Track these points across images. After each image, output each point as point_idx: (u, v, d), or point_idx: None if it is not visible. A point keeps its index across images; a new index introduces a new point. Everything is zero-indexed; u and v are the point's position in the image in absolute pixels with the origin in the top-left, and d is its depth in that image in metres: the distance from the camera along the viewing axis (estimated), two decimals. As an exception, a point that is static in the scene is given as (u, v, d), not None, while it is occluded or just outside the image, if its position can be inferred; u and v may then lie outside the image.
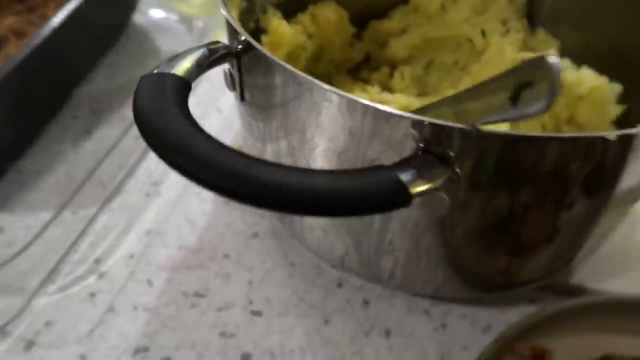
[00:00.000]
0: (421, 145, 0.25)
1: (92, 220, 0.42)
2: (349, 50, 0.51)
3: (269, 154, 0.34)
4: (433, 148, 0.25)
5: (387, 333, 0.37)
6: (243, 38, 0.29)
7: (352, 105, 0.25)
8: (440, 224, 0.29)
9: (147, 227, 0.43)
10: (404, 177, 0.22)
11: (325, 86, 0.25)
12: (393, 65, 0.50)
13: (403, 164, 0.23)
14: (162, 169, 0.46)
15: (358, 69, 0.53)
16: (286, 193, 0.20)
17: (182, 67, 0.27)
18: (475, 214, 0.29)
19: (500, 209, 0.29)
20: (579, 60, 0.42)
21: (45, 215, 0.42)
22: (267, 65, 0.28)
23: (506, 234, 0.31)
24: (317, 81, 0.25)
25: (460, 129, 0.23)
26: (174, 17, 0.63)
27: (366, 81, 0.51)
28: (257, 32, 0.43)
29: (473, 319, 0.38)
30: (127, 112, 0.51)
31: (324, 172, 0.22)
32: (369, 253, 0.33)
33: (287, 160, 0.32)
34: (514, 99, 0.21)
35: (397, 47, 0.50)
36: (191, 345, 0.36)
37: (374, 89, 0.44)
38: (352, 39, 0.51)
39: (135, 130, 0.32)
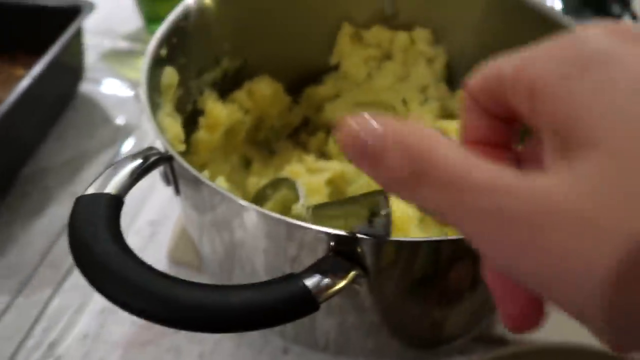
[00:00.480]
0: (332, 244, 0.28)
1: (46, 303, 0.44)
2: (287, 116, 0.55)
3: (205, 244, 0.37)
4: (342, 248, 0.28)
5: (330, 394, 0.40)
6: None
7: (265, 216, 0.28)
8: (361, 304, 0.32)
9: (100, 305, 0.45)
10: (310, 283, 0.25)
11: (240, 201, 0.28)
12: (330, 128, 0.54)
13: (311, 270, 0.26)
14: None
15: (298, 132, 0.56)
16: (203, 315, 0.23)
17: (115, 184, 0.29)
18: (393, 291, 0.32)
19: (417, 283, 0.32)
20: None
21: (-1, 301, 0.44)
22: (193, 176, 0.31)
23: (427, 298, 0.34)
24: (231, 195, 0.28)
25: (360, 238, 0.27)
26: (121, 83, 0.65)
27: (305, 145, 0.54)
28: (196, 114, 0.46)
29: (409, 374, 0.41)
30: (76, 188, 0.53)
31: (238, 289, 0.25)
32: (304, 326, 0.36)
33: (221, 252, 0.35)
34: (370, 220, 0.25)
35: (332, 112, 0.54)
36: (145, 422, 0.38)
37: (310, 159, 0.47)
38: (290, 104, 0.55)
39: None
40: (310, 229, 0.27)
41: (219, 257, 0.38)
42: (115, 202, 0.29)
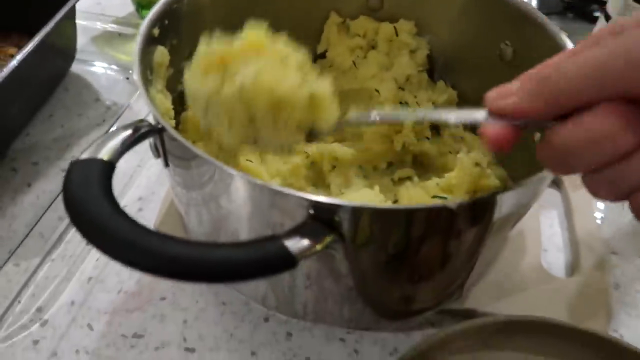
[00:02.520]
0: (311, 212, 0.30)
1: (34, 271, 0.45)
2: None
3: (192, 216, 0.38)
4: (320, 215, 0.30)
5: (307, 361, 0.42)
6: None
7: (249, 183, 0.30)
8: (337, 271, 0.35)
9: (87, 275, 0.46)
10: (291, 244, 0.28)
11: (226, 167, 0.30)
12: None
13: (291, 233, 0.28)
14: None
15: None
16: (190, 266, 0.25)
17: (107, 150, 0.31)
18: (366, 261, 0.34)
19: (389, 254, 0.34)
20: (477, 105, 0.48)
21: (-12, 269, 0.45)
22: (182, 146, 0.32)
23: (399, 271, 0.37)
24: (218, 163, 0.30)
25: (338, 205, 0.29)
26: (112, 66, 0.66)
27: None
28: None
29: (382, 344, 0.44)
30: (65, 165, 0.54)
31: (223, 245, 0.27)
32: (284, 294, 0.39)
33: (207, 222, 0.37)
34: None
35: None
36: (130, 384, 0.40)
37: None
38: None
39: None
40: (292, 195, 0.29)
41: (205, 230, 0.40)
42: (108, 167, 0.30)
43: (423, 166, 0.53)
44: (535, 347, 0.42)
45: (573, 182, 0.57)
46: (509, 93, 0.25)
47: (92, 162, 0.30)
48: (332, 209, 0.29)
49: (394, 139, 0.51)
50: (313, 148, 0.48)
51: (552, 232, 0.54)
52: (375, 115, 0.33)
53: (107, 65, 0.66)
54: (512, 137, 0.26)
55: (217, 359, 0.42)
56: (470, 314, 0.45)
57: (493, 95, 0.26)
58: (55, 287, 0.45)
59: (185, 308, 0.45)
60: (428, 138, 0.52)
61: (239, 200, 0.32)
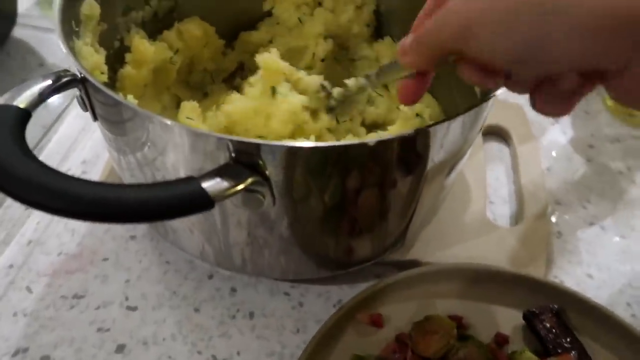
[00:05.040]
0: (233, 155, 0.30)
1: (-29, 235, 0.44)
2: (222, 60, 0.56)
3: (125, 170, 0.38)
4: (242, 158, 0.30)
5: (251, 315, 0.42)
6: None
7: (167, 126, 0.30)
8: (267, 217, 0.34)
9: (27, 238, 0.45)
10: (207, 184, 0.27)
11: (145, 112, 0.29)
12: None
13: (210, 174, 0.28)
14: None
15: (234, 76, 0.57)
16: (102, 207, 0.25)
17: (23, 98, 0.30)
18: (295, 206, 0.34)
19: (316, 198, 0.34)
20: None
21: None
22: (103, 93, 0.32)
23: (331, 217, 0.36)
24: (136, 106, 0.30)
25: (260, 145, 0.29)
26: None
27: (239, 88, 0.55)
28: (123, 50, 0.46)
29: (327, 296, 0.44)
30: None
31: (136, 186, 0.27)
32: (220, 246, 0.38)
33: (138, 175, 0.36)
34: None
35: (266, 56, 0.55)
36: (69, 342, 0.40)
37: (236, 96, 0.48)
38: (224, 49, 0.56)
39: None
40: (211, 136, 0.29)
41: (138, 182, 0.39)
42: (23, 113, 0.30)
43: (374, 126, 0.53)
44: (476, 293, 0.43)
45: (520, 136, 0.58)
46: (406, 50, 0.29)
47: (6, 108, 0.29)
48: (252, 149, 0.29)
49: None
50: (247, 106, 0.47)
51: (499, 185, 0.54)
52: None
53: (51, 29, 0.64)
54: (414, 90, 0.31)
55: (159, 316, 0.42)
56: (413, 265, 0.46)
57: (399, 50, 0.30)
58: (-6, 251, 0.44)
59: (128, 268, 0.44)
60: (382, 95, 0.52)
61: (163, 146, 0.32)
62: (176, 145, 0.31)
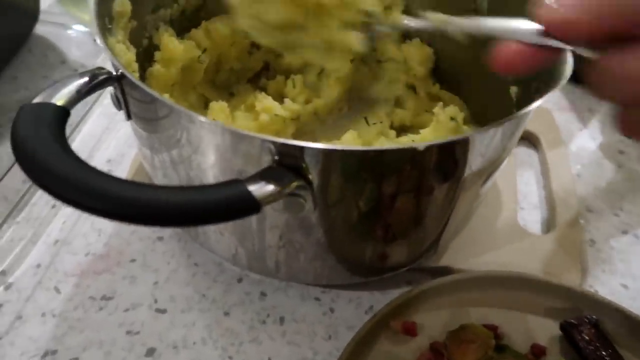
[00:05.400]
0: (276, 158, 0.29)
1: (-3, 234, 0.44)
2: (248, 60, 0.55)
3: (158, 170, 0.37)
4: (285, 161, 0.29)
5: (282, 320, 0.42)
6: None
7: (210, 126, 0.29)
8: (307, 222, 0.34)
9: (54, 238, 0.45)
10: (254, 188, 0.26)
11: (187, 111, 0.29)
12: (289, 73, 0.54)
13: (255, 177, 0.27)
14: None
15: (259, 77, 0.56)
16: (144, 207, 0.24)
17: (61, 96, 0.30)
18: (335, 210, 0.33)
19: (358, 203, 0.33)
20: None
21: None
22: (141, 91, 0.31)
23: (371, 222, 0.36)
24: (179, 106, 0.29)
25: (304, 147, 0.28)
26: (79, 26, 0.64)
27: (265, 89, 0.54)
28: (151, 49, 0.46)
29: (358, 302, 0.43)
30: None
31: (181, 188, 0.26)
32: (254, 250, 0.38)
33: (172, 175, 0.35)
34: None
35: (292, 57, 0.54)
36: (98, 344, 0.39)
37: (266, 99, 0.47)
38: (250, 49, 0.55)
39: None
40: (255, 138, 0.28)
41: (170, 183, 0.38)
42: (61, 111, 0.29)
43: (402, 129, 0.52)
44: (510, 301, 0.42)
45: (549, 142, 0.57)
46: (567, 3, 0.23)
47: (44, 106, 0.29)
48: (296, 151, 0.28)
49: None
50: (281, 110, 0.46)
51: (529, 191, 0.53)
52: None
53: (72, 25, 0.63)
54: (531, 57, 0.25)
55: (188, 320, 0.41)
56: (446, 271, 0.45)
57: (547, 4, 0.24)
58: (20, 250, 0.44)
59: (156, 269, 0.44)
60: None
61: (201, 146, 0.31)
62: (216, 146, 0.30)
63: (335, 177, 0.30)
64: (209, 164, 0.32)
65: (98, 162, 0.51)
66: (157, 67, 0.45)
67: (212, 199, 0.25)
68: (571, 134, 0.60)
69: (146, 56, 0.45)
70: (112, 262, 0.44)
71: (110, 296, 0.42)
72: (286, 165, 0.29)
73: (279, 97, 0.52)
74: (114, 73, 0.33)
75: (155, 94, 0.30)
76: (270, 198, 0.27)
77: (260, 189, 0.27)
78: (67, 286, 0.42)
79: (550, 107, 0.61)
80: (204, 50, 0.49)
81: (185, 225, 0.26)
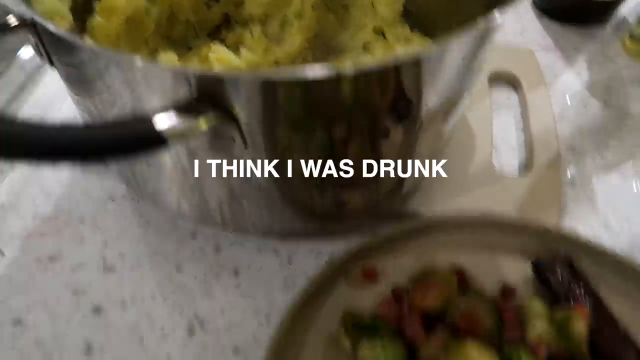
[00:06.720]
0: (194, 92, 0.26)
1: (-59, 199, 0.42)
2: (205, 12, 0.52)
3: (85, 110, 0.35)
4: (205, 95, 0.26)
5: (236, 273, 0.40)
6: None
7: (125, 61, 0.26)
8: (241, 165, 0.31)
9: (0, 201, 0.43)
10: (160, 120, 0.24)
11: (98, 48, 0.26)
12: (250, 23, 0.52)
13: (163, 110, 0.25)
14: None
15: (219, 31, 0.54)
16: (37, 144, 0.22)
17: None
18: (270, 153, 0.31)
19: (295, 145, 0.31)
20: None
21: None
22: (52, 34, 0.28)
23: (314, 166, 0.33)
24: (91, 45, 0.26)
25: (221, 77, 0.25)
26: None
27: (223, 41, 0.51)
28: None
29: (318, 252, 0.41)
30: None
31: (85, 126, 0.24)
32: (196, 199, 0.35)
33: (96, 116, 0.33)
34: None
35: (252, 6, 0.51)
36: (43, 305, 0.37)
37: (221, 49, 0.44)
38: (208, 1, 0.52)
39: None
40: (167, 69, 0.26)
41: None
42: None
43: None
44: (479, 244, 0.39)
45: (530, 83, 0.53)
46: None
47: None
48: (214, 82, 0.26)
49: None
50: (237, 60, 0.44)
51: (507, 134, 0.50)
52: None
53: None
54: None
55: (138, 277, 0.39)
56: (413, 217, 0.42)
57: None
58: (-35, 216, 0.42)
59: (105, 229, 0.42)
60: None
61: (115, 84, 0.28)
62: (126, 82, 0.28)
63: (261, 111, 0.27)
64: (125, 103, 0.29)
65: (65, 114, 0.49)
66: (97, 19, 0.42)
67: (114, 133, 0.23)
68: (555, 74, 0.56)
69: (85, 7, 0.43)
70: (61, 223, 0.42)
71: (57, 257, 0.40)
72: (206, 100, 0.26)
73: (238, 49, 0.49)
74: (27, 18, 0.31)
75: (67, 34, 0.27)
76: (181, 132, 0.25)
77: (167, 121, 0.24)
78: (11, 249, 0.40)
79: (535, 48, 0.57)
80: (153, 1, 0.46)
81: (89, 160, 0.23)
